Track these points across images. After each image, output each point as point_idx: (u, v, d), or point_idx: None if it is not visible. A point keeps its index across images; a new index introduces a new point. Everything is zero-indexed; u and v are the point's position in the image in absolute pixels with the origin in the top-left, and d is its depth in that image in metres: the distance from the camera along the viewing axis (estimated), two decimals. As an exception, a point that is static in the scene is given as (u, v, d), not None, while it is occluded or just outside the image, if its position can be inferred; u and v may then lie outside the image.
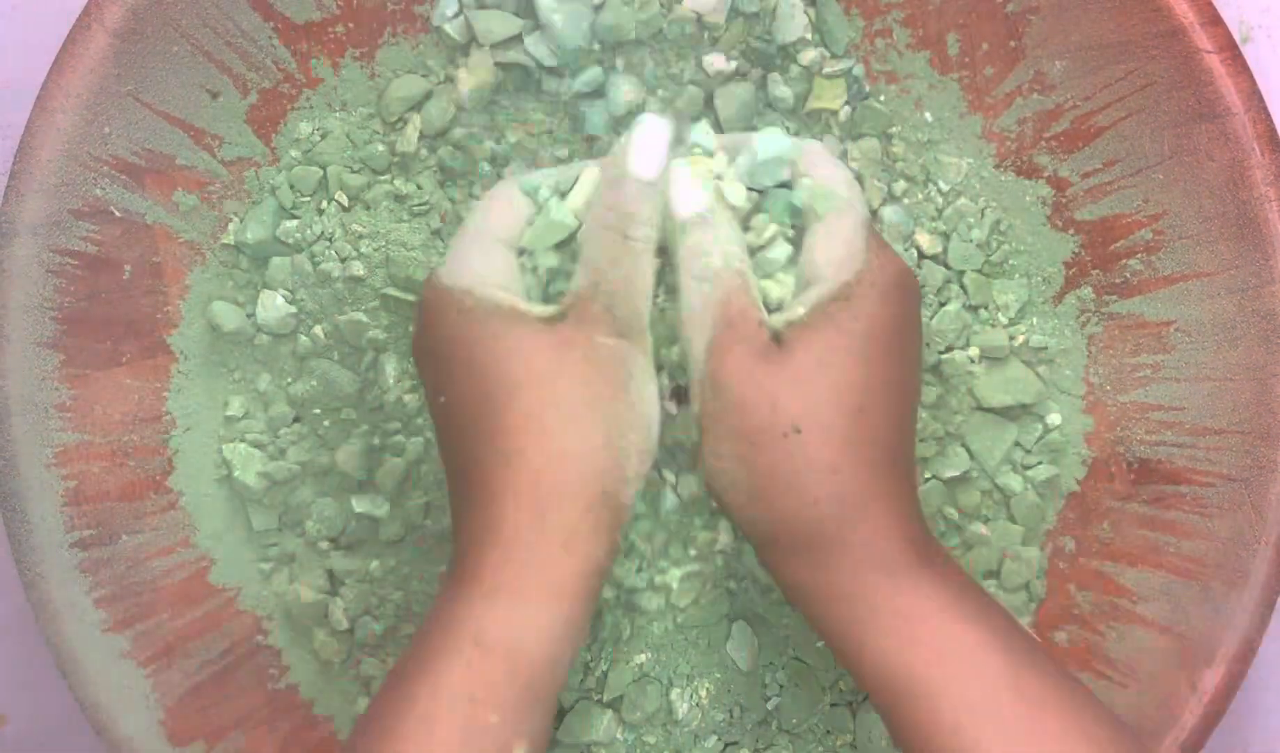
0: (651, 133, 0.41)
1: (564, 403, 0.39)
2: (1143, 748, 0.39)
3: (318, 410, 0.49)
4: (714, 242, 0.40)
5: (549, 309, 0.40)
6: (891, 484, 0.39)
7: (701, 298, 0.40)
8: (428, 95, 0.49)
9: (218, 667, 0.49)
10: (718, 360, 0.39)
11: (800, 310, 0.39)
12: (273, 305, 0.49)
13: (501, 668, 0.37)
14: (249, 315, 0.50)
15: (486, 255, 0.41)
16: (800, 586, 0.39)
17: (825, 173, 0.42)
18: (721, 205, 0.41)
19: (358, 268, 0.48)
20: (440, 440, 0.41)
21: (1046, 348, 0.50)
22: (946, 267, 0.50)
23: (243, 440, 0.50)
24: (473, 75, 0.48)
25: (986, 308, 0.50)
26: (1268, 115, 0.45)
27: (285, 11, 0.48)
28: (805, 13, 0.49)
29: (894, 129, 0.50)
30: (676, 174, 0.41)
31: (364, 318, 0.48)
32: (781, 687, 0.50)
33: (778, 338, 0.39)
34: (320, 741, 0.51)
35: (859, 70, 0.49)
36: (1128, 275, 0.49)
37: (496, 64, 0.48)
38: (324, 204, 0.49)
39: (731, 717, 0.50)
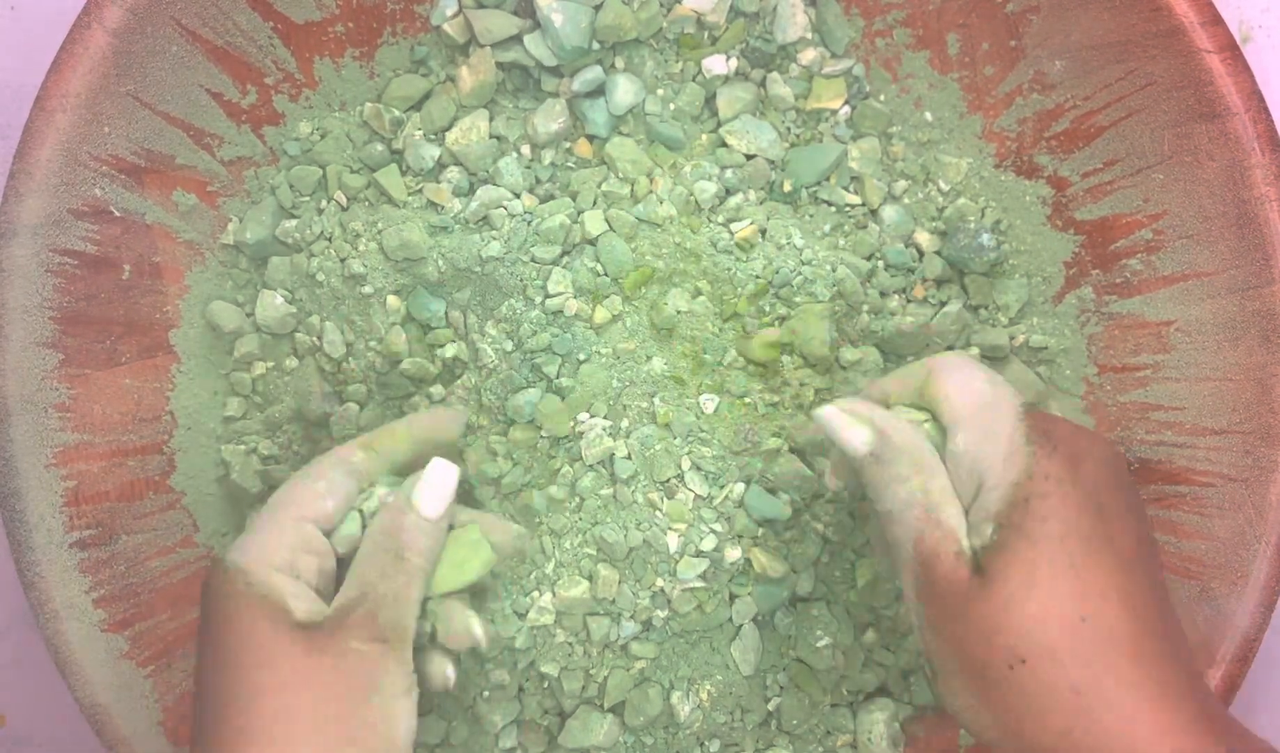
0: (440, 476, 0.41)
1: (300, 716, 0.38)
2: None
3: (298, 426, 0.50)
4: (892, 478, 0.39)
5: (315, 613, 0.39)
6: (1149, 677, 0.35)
7: (894, 536, 0.40)
8: (427, 95, 0.49)
9: (217, 667, 0.49)
10: (928, 603, 0.38)
11: (987, 531, 0.37)
12: (271, 305, 0.49)
13: None
14: (249, 315, 0.50)
15: (279, 533, 0.40)
16: None
17: (955, 382, 0.40)
18: (894, 433, 0.40)
19: (356, 266, 0.48)
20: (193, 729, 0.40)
21: (1046, 348, 0.50)
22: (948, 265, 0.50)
23: (241, 443, 0.50)
24: (474, 75, 0.48)
25: (986, 308, 0.50)
26: (1268, 115, 0.45)
27: (285, 11, 0.48)
28: (805, 13, 0.49)
29: (894, 129, 0.50)
30: (829, 417, 0.41)
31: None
32: (782, 689, 0.50)
33: (978, 564, 0.37)
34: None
35: (859, 70, 0.49)
36: (1128, 275, 0.49)
37: (497, 64, 0.48)
38: (323, 204, 0.49)
39: (733, 719, 0.50)
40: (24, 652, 0.54)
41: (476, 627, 0.41)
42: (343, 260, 0.48)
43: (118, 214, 0.47)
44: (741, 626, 0.49)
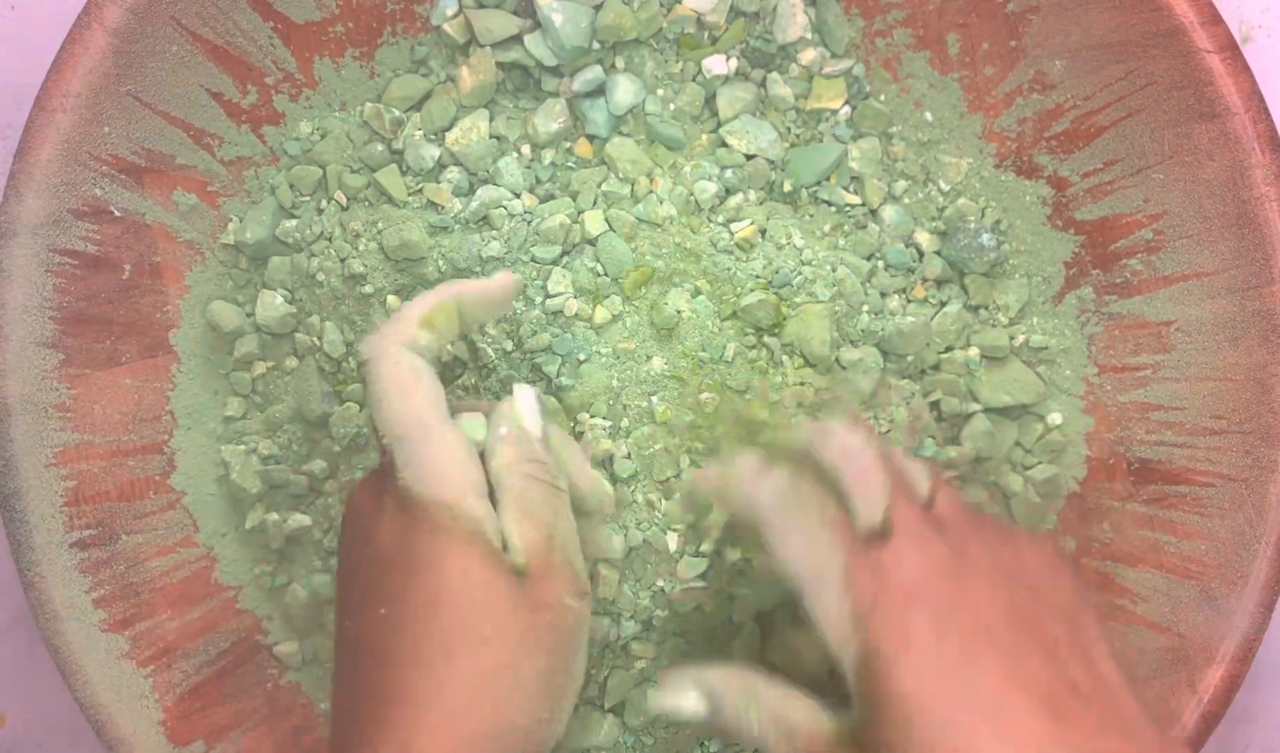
0: (530, 398, 0.41)
1: (523, 671, 0.37)
2: None
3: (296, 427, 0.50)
4: (736, 726, 0.37)
5: (515, 559, 0.38)
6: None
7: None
8: (427, 95, 0.49)
9: (218, 667, 0.49)
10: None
11: (854, 712, 0.36)
12: (271, 305, 0.49)
13: None
14: (248, 315, 0.50)
15: (452, 450, 0.38)
16: None
17: (789, 548, 0.38)
18: (726, 694, 0.38)
19: (356, 266, 0.48)
20: (357, 647, 0.38)
21: (1047, 348, 0.50)
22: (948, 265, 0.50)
23: (241, 443, 0.50)
24: (474, 75, 0.48)
25: (986, 308, 0.50)
26: (1268, 115, 0.45)
27: (285, 11, 0.48)
28: (805, 13, 0.49)
29: (894, 129, 0.50)
30: (659, 700, 0.39)
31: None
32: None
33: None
34: (320, 740, 0.51)
35: (859, 70, 0.49)
36: (1128, 275, 0.49)
37: (497, 64, 0.48)
38: (323, 204, 0.49)
39: None
40: (24, 652, 0.54)
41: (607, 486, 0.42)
42: (343, 260, 0.48)
43: (118, 214, 0.47)
44: (743, 623, 0.49)
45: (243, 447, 0.50)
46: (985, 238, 0.49)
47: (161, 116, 0.47)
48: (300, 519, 0.50)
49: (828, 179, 0.49)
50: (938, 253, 0.50)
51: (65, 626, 0.46)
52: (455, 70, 0.49)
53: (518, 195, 0.48)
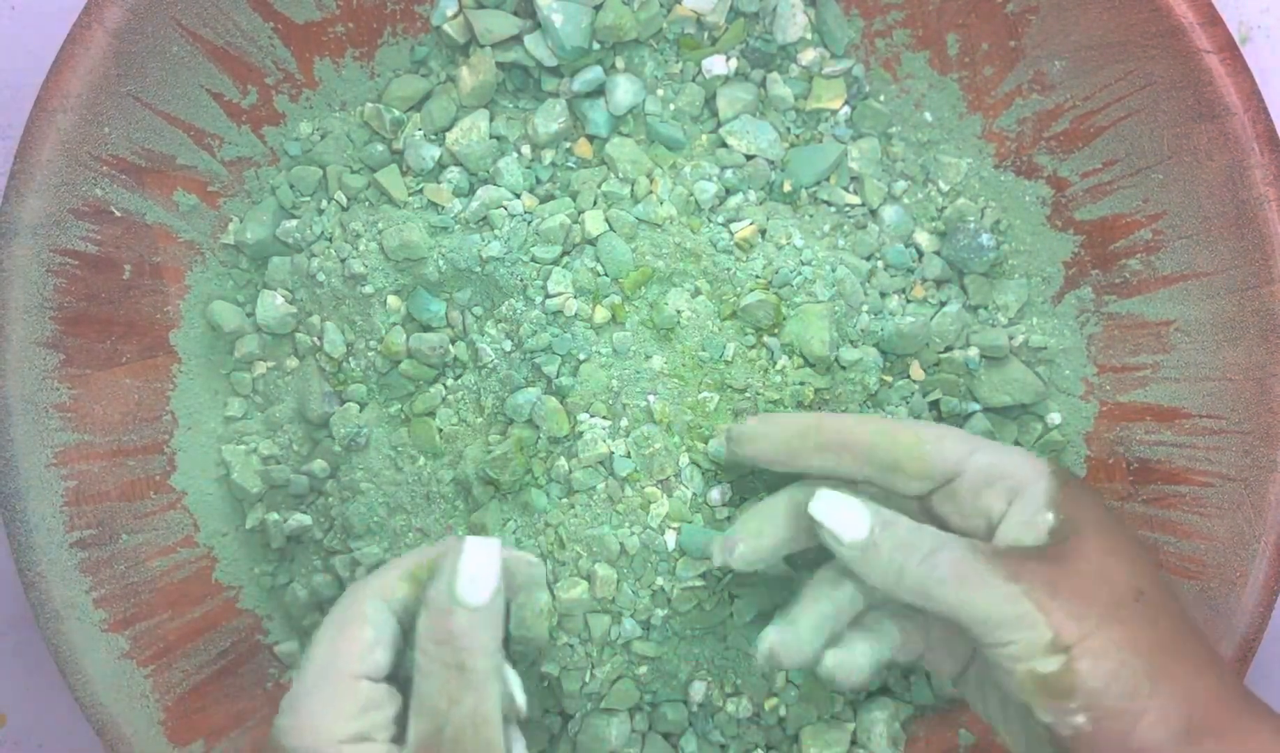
0: (479, 555, 0.37)
1: None
2: None
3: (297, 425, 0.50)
4: (908, 547, 0.38)
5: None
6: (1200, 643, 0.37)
7: (943, 574, 0.37)
8: (427, 95, 0.49)
9: (218, 667, 0.49)
10: (1029, 579, 0.37)
11: (1047, 515, 0.38)
12: (272, 305, 0.49)
13: None
14: (249, 315, 0.50)
15: (336, 699, 0.36)
16: None
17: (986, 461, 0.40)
18: (882, 521, 0.38)
19: (357, 266, 0.48)
20: None
21: (1046, 348, 0.50)
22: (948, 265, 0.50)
23: (241, 443, 0.50)
24: (474, 75, 0.48)
25: (986, 308, 0.50)
26: (1267, 115, 0.45)
27: (285, 11, 0.48)
28: (805, 13, 0.49)
29: (894, 129, 0.50)
30: (824, 502, 0.39)
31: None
32: (796, 686, 0.50)
33: (1044, 548, 0.38)
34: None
35: (859, 70, 0.50)
36: (1127, 275, 0.49)
37: (497, 64, 0.48)
38: (323, 204, 0.49)
39: (738, 710, 0.50)
40: (24, 652, 0.54)
41: (518, 693, 0.38)
42: (343, 260, 0.48)
43: (118, 214, 0.47)
44: (771, 613, 0.49)
45: (243, 447, 0.50)
46: (985, 238, 0.49)
47: (162, 117, 0.47)
48: (300, 519, 0.50)
49: (827, 179, 0.49)
50: (937, 253, 0.50)
51: (65, 626, 0.46)
52: (455, 70, 0.49)
53: (518, 195, 0.48)
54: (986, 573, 0.37)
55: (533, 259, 0.47)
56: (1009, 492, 0.39)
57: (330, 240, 0.49)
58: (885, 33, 0.49)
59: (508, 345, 0.48)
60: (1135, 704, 0.35)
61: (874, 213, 0.50)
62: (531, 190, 0.49)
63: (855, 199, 0.49)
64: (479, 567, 0.36)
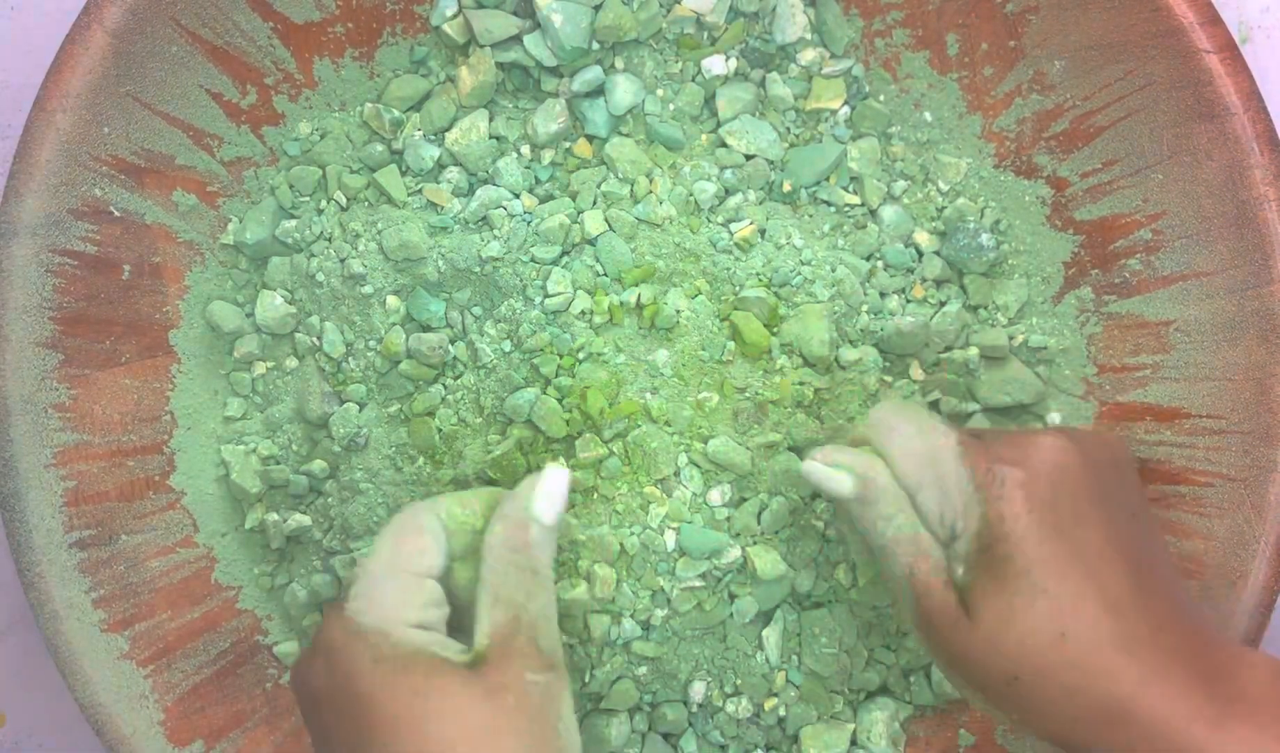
0: (557, 483, 0.42)
1: None
2: None
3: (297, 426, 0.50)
4: (878, 517, 0.42)
5: (468, 653, 0.39)
6: (1137, 661, 0.38)
7: (888, 569, 0.43)
8: (427, 95, 0.49)
9: (218, 667, 0.49)
10: (925, 634, 0.42)
11: (959, 572, 0.41)
12: (271, 305, 0.49)
13: None
14: (248, 315, 0.50)
15: (403, 590, 0.39)
16: None
17: (895, 446, 0.43)
18: (877, 475, 0.42)
19: (356, 267, 0.48)
20: None
21: (1046, 348, 0.50)
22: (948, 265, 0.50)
23: (241, 443, 0.50)
24: (473, 75, 0.48)
25: (986, 308, 0.50)
26: (1267, 115, 0.45)
27: (285, 11, 0.48)
28: (805, 13, 0.49)
29: (893, 129, 0.50)
30: (814, 471, 0.43)
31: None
32: (796, 686, 0.50)
33: (963, 599, 0.41)
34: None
35: (858, 70, 0.50)
36: (1127, 275, 0.49)
37: (497, 64, 0.48)
38: (323, 204, 0.49)
39: (738, 709, 0.50)
40: (24, 652, 0.54)
41: None
42: (342, 260, 0.48)
43: (118, 214, 0.47)
44: (771, 612, 0.49)
45: (243, 447, 0.50)
46: (984, 238, 0.49)
47: (161, 117, 0.47)
48: (300, 519, 0.50)
49: (827, 179, 0.49)
50: (937, 253, 0.50)
51: (65, 626, 0.46)
52: (455, 70, 0.49)
53: (517, 195, 0.48)
54: (907, 598, 0.42)
55: (532, 259, 0.47)
56: (948, 533, 0.42)
57: (329, 240, 0.49)
58: (885, 33, 0.49)
59: (507, 346, 0.48)
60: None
61: (874, 213, 0.50)
62: (531, 190, 0.49)
63: (855, 199, 0.49)
64: (554, 490, 0.42)
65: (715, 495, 0.47)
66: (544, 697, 0.39)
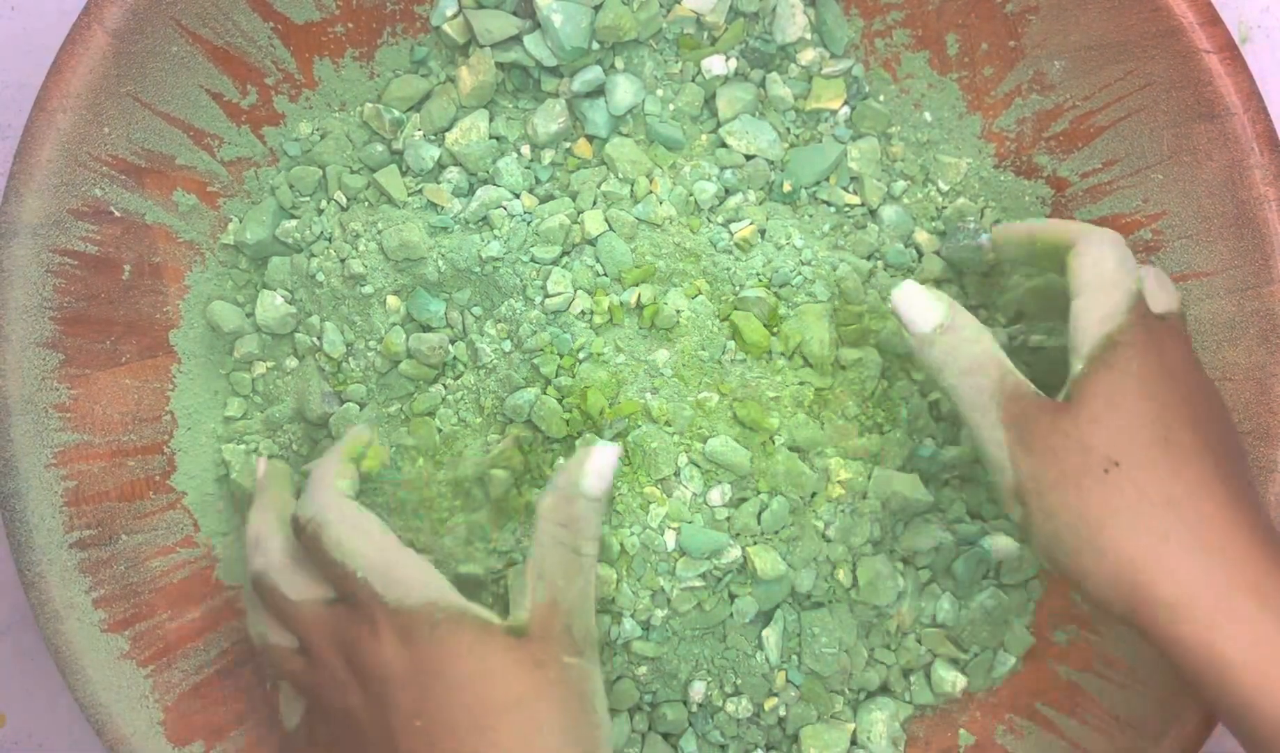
0: (604, 456, 0.43)
1: (547, 729, 0.39)
2: None
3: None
4: (962, 340, 0.42)
5: (507, 620, 0.41)
6: (1235, 498, 0.39)
7: (975, 389, 0.42)
8: (427, 95, 0.49)
9: (218, 667, 0.49)
10: (1017, 428, 0.41)
11: (1078, 366, 0.41)
12: (271, 305, 0.49)
13: None
14: (248, 315, 0.50)
15: (411, 560, 0.41)
16: (1166, 652, 0.38)
17: (1092, 256, 0.43)
18: (958, 307, 0.43)
19: (356, 267, 0.48)
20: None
21: (1045, 348, 0.50)
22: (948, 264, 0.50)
23: (241, 443, 0.50)
24: (473, 75, 0.48)
25: (986, 308, 0.50)
26: (1267, 115, 0.45)
27: (285, 11, 0.48)
28: (805, 13, 0.49)
29: (893, 129, 0.50)
30: (909, 293, 0.43)
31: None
32: (796, 686, 0.50)
33: (1067, 397, 0.41)
34: (320, 741, 0.51)
35: (858, 71, 0.50)
36: (1127, 275, 0.49)
37: (497, 64, 0.48)
38: (323, 204, 0.49)
39: (738, 709, 0.50)
40: (24, 652, 0.54)
41: None
42: (342, 260, 0.48)
43: (118, 214, 0.47)
44: (771, 612, 0.49)
45: (243, 446, 0.50)
46: (984, 239, 0.49)
47: (161, 117, 0.47)
48: None
49: (827, 179, 0.49)
50: (937, 253, 0.50)
51: (65, 626, 0.46)
52: (455, 71, 0.49)
53: (517, 196, 0.48)
54: (992, 410, 0.41)
55: (532, 259, 0.47)
56: (1080, 340, 0.42)
57: (330, 240, 0.49)
58: (885, 33, 0.49)
59: (507, 345, 0.48)
60: (1078, 564, 0.39)
61: (874, 213, 0.50)
62: (531, 190, 0.49)
63: (855, 199, 0.49)
64: (603, 465, 0.43)
65: (715, 495, 0.47)
66: (578, 679, 0.41)
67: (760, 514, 0.48)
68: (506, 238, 0.47)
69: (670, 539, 0.47)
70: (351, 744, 0.41)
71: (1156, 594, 0.38)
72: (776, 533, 0.48)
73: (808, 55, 0.49)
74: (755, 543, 0.48)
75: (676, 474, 0.47)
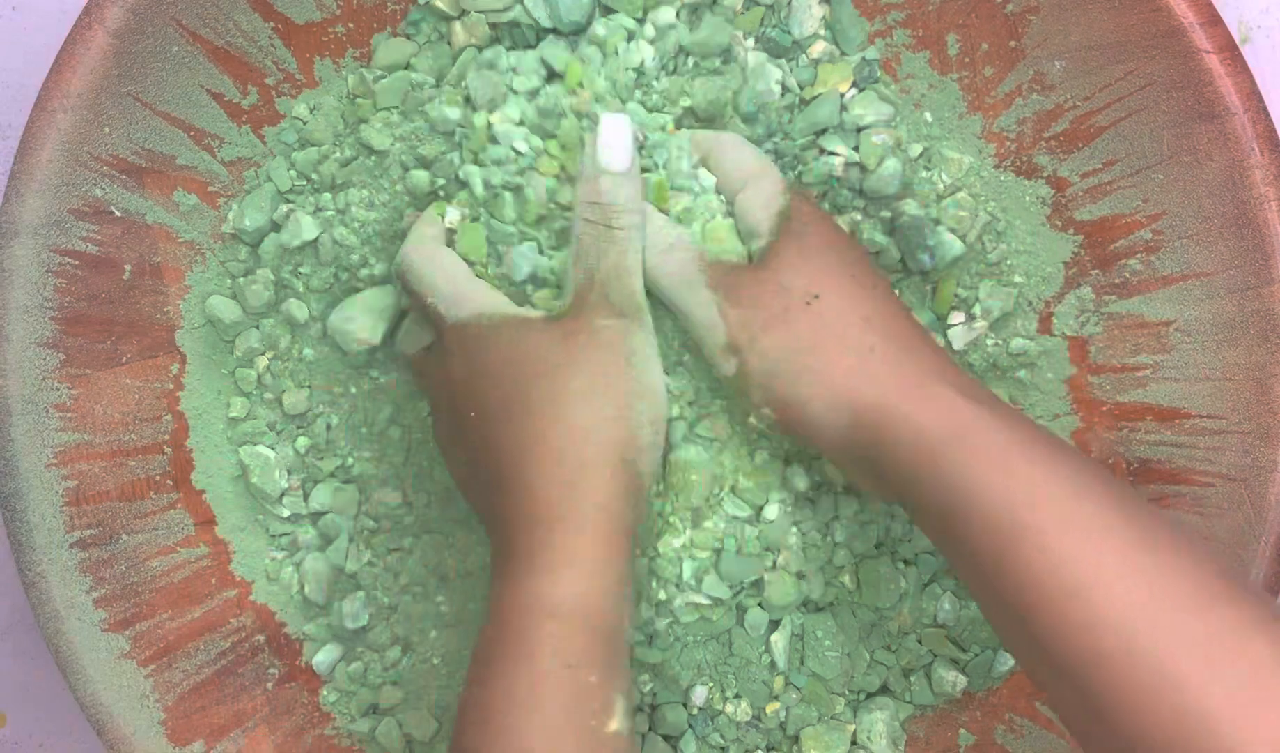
0: (615, 129, 0.44)
1: (575, 385, 0.42)
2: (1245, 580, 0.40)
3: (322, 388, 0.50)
4: (663, 224, 0.44)
5: (551, 312, 0.44)
6: (913, 322, 0.43)
7: (679, 263, 0.44)
8: (415, 54, 0.48)
9: (218, 667, 0.49)
10: (724, 288, 0.43)
11: (760, 241, 0.44)
12: (252, 291, 0.49)
13: (584, 633, 0.39)
14: (247, 313, 0.50)
15: (474, 284, 0.45)
16: (883, 457, 0.40)
17: (732, 156, 0.46)
18: (646, 203, 0.44)
19: (349, 241, 0.48)
20: (468, 455, 0.44)
21: (1026, 352, 0.50)
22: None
23: (256, 444, 0.50)
24: (467, 33, 0.47)
25: (973, 313, 0.50)
26: (1267, 115, 0.45)
27: (286, 12, 0.48)
28: (820, 7, 0.48)
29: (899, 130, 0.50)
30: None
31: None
32: (798, 688, 0.50)
33: (760, 262, 0.44)
34: (318, 739, 0.51)
35: (872, 53, 0.49)
36: (1127, 275, 0.49)
37: (491, 25, 0.47)
38: (317, 179, 0.49)
39: (737, 710, 0.50)
40: (25, 652, 0.54)
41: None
42: (336, 243, 0.48)
43: (118, 214, 0.47)
44: (780, 620, 0.49)
45: (261, 448, 0.50)
46: (926, 258, 0.48)
47: (162, 117, 0.47)
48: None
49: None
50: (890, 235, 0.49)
51: (66, 625, 0.46)
52: (447, 27, 0.48)
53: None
54: (697, 278, 0.43)
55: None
56: (750, 229, 0.45)
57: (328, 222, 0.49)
58: (885, 33, 0.49)
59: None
60: (795, 392, 0.42)
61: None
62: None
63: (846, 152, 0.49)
64: (613, 137, 0.43)
65: (773, 510, 0.47)
66: (613, 336, 0.43)
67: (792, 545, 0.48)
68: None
69: (685, 565, 0.47)
70: (454, 443, 0.45)
71: (867, 398, 0.41)
72: (806, 562, 0.48)
73: (817, 49, 0.49)
74: (774, 568, 0.48)
75: (708, 501, 0.47)
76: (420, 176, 0.47)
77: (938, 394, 0.40)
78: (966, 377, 0.42)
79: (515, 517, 0.41)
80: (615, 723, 0.38)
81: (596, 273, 0.43)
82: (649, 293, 0.44)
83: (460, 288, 0.45)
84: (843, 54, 0.49)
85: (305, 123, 0.49)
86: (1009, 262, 0.50)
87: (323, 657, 0.51)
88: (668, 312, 0.45)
